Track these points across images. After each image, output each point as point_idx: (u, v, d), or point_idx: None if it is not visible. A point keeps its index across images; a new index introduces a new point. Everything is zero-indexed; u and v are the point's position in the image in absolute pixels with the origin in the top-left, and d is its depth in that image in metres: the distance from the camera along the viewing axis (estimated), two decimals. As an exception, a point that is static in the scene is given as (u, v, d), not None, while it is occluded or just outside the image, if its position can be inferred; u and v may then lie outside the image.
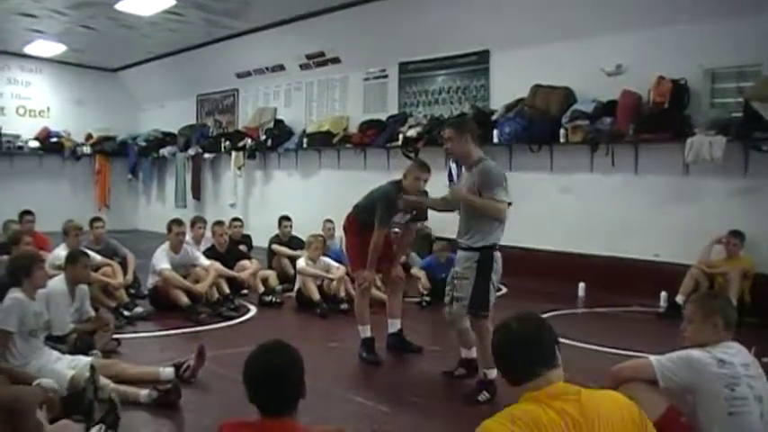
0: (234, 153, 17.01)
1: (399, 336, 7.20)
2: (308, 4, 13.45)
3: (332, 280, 9.42)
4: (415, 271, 10.23)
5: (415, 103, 13.61)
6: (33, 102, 19.74)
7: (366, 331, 6.95)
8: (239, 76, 17.50)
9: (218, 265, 9.51)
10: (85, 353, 6.03)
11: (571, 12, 10.65)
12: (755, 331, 7.27)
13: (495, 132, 11.43)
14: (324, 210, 12.05)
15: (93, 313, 6.99)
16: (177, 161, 19.21)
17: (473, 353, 6.12)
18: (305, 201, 14.92)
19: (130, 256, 9.86)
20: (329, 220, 11.24)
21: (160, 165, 20.42)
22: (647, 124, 9.83)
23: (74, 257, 6.84)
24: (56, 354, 5.72)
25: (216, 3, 13.56)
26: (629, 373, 3.85)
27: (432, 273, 9.83)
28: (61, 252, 8.14)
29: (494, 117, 11.67)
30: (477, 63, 12.50)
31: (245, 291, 10.07)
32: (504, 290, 10.52)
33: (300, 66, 15.67)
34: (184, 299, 8.75)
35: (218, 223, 10.59)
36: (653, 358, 3.77)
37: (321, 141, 14.80)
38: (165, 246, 9.28)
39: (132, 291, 9.51)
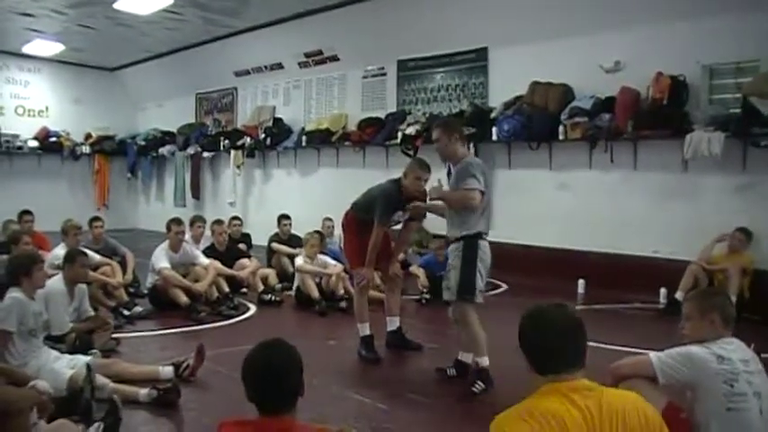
0: (233, 152, 17.02)
1: (399, 333, 7.20)
2: (307, 2, 13.46)
3: (330, 276, 9.42)
4: (413, 269, 10.23)
5: (414, 101, 13.61)
6: (32, 101, 19.75)
7: (365, 329, 6.95)
8: (238, 74, 17.51)
9: (217, 263, 9.50)
10: (85, 352, 6.02)
11: (569, 8, 10.66)
12: (755, 327, 7.28)
13: (494, 130, 11.44)
14: (323, 208, 12.05)
15: (92, 312, 6.99)
16: (176, 160, 19.22)
17: (469, 357, 6.13)
18: (304, 199, 14.94)
19: (130, 256, 9.86)
20: (328, 218, 11.24)
21: (159, 164, 20.43)
22: (646, 121, 9.83)
23: (72, 257, 6.83)
24: (55, 353, 5.71)
25: (214, 1, 13.57)
26: (628, 370, 3.85)
27: (431, 270, 9.83)
28: (60, 252, 8.11)
29: (493, 114, 11.67)
30: (476, 60, 12.50)
31: (244, 289, 10.06)
32: (504, 286, 10.56)
33: (299, 64, 15.68)
34: (184, 298, 8.74)
35: (218, 222, 10.58)
36: (652, 355, 3.76)
37: (320, 140, 14.81)
38: (165, 245, 9.27)
39: (131, 290, 9.50)
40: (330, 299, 9.25)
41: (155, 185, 20.83)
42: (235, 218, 11.92)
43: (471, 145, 11.65)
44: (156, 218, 16.87)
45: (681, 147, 9.41)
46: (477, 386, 5.69)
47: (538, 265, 10.86)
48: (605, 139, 10.42)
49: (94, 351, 6.21)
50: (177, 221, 9.46)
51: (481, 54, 12.40)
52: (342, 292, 9.30)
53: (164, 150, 19.60)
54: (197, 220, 10.53)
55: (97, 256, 8.88)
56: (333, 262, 9.66)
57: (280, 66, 16.22)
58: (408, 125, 12.95)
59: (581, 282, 10.34)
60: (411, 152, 12.47)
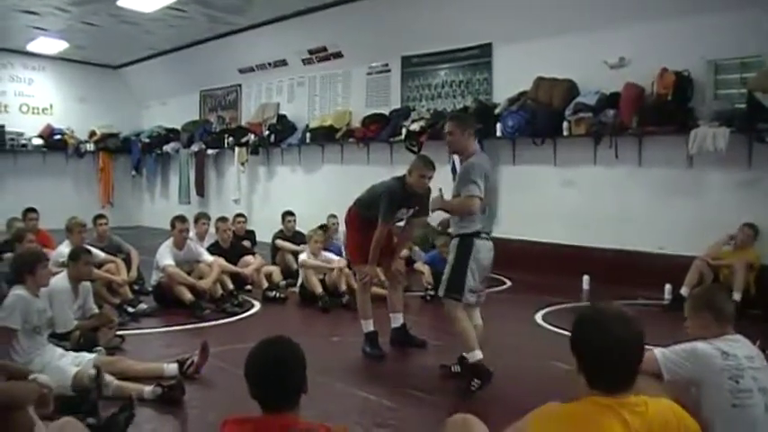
0: (237, 149, 17.03)
1: (403, 330, 7.19)
2: (310, -1, 13.46)
3: (332, 270, 9.41)
4: (418, 265, 10.24)
5: (418, 98, 13.59)
6: (36, 99, 19.77)
7: (369, 325, 6.94)
8: (242, 71, 17.50)
9: (221, 260, 9.50)
10: (89, 350, 6.03)
11: (574, 4, 10.64)
12: (761, 323, 7.27)
13: (499, 126, 11.43)
14: (327, 205, 12.05)
15: (96, 310, 6.99)
16: (181, 157, 19.23)
17: None
18: (308, 196, 14.94)
19: (134, 253, 9.88)
20: (333, 215, 11.23)
21: (163, 161, 20.44)
22: (651, 116, 9.81)
23: (76, 254, 6.85)
24: (59, 351, 5.72)
25: (218, -2, 13.58)
26: (633, 366, 3.84)
27: (435, 267, 9.82)
28: (65, 249, 8.12)
29: (497, 111, 11.65)
30: (480, 56, 12.48)
31: (248, 286, 10.07)
32: (508, 282, 10.54)
33: (303, 61, 15.67)
34: (188, 295, 8.73)
35: (222, 219, 10.60)
36: (657, 351, 3.76)
37: (324, 136, 14.82)
38: (169, 242, 9.27)
39: (136, 287, 9.52)
40: (333, 294, 9.24)
41: (159, 183, 20.85)
42: (239, 215, 11.93)
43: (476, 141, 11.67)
44: (161, 215, 16.88)
45: (686, 142, 9.39)
46: (474, 384, 5.62)
47: (542, 261, 10.85)
48: (610, 134, 10.40)
49: (99, 348, 6.21)
50: (182, 219, 9.46)
51: (485, 50, 12.38)
52: (344, 287, 9.28)
53: (168, 148, 19.60)
54: (201, 218, 10.55)
55: (102, 254, 8.90)
56: (336, 258, 9.65)
57: (284, 63, 16.20)
58: (412, 121, 12.93)
59: (585, 278, 10.32)
60: (415, 149, 12.47)
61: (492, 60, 12.32)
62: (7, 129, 18.64)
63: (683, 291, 8.70)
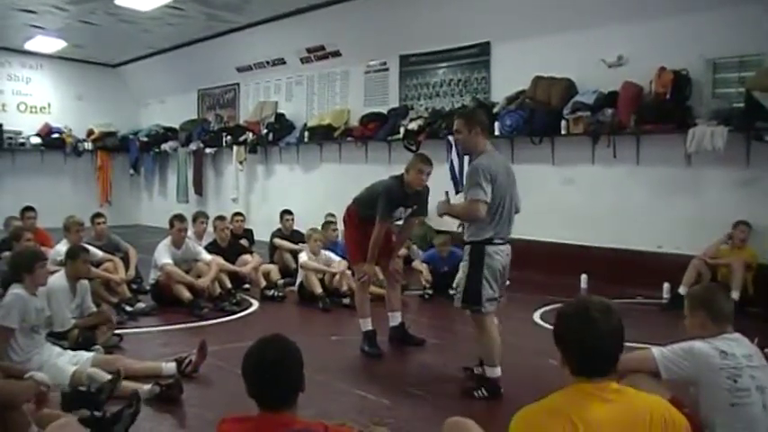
0: (235, 147, 17.03)
1: (401, 328, 7.20)
2: (308, -3, 13.46)
3: (334, 274, 9.41)
4: (416, 264, 10.24)
5: (417, 96, 13.58)
6: (34, 98, 19.74)
7: (367, 324, 6.95)
8: (240, 70, 17.48)
9: (219, 259, 9.50)
10: (87, 348, 6.04)
11: (572, 3, 10.63)
12: (759, 322, 7.28)
13: (497, 125, 11.39)
14: (325, 204, 12.07)
15: (94, 309, 6.99)
16: (179, 156, 19.22)
17: None
18: (306, 195, 14.94)
19: (132, 252, 9.89)
20: (331, 214, 11.22)
21: (162, 160, 20.42)
22: (649, 115, 9.81)
23: (74, 253, 6.85)
24: (57, 349, 5.72)
25: (216, -3, 13.57)
26: (631, 364, 3.83)
27: (433, 266, 9.83)
28: (62, 248, 8.12)
29: (495, 109, 11.63)
30: (478, 55, 12.47)
31: (247, 285, 10.07)
32: (507, 281, 10.54)
33: (301, 59, 15.66)
34: (186, 294, 8.73)
35: (220, 218, 10.59)
36: (655, 350, 3.76)
37: (322, 135, 14.80)
38: (167, 241, 9.27)
39: (134, 286, 9.53)
40: (333, 295, 9.24)
41: (157, 182, 20.83)
42: (237, 214, 11.94)
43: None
44: (159, 214, 16.86)
45: (684, 141, 9.38)
46: (479, 393, 5.54)
47: (541, 259, 10.84)
48: (608, 133, 10.38)
49: (97, 347, 6.23)
50: (180, 218, 9.46)
51: (484, 49, 12.36)
52: (345, 288, 9.28)
53: (166, 146, 19.57)
54: (199, 216, 10.55)
55: (100, 253, 8.89)
56: (337, 258, 9.63)
57: (282, 61, 16.19)
58: (411, 120, 12.92)
59: (584, 276, 10.33)
60: (413, 147, 12.47)
61: (490, 59, 12.31)
62: (5, 128, 18.61)
63: (682, 290, 8.70)
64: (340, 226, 9.13)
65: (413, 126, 12.75)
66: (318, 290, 9.15)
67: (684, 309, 3.99)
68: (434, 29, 12.59)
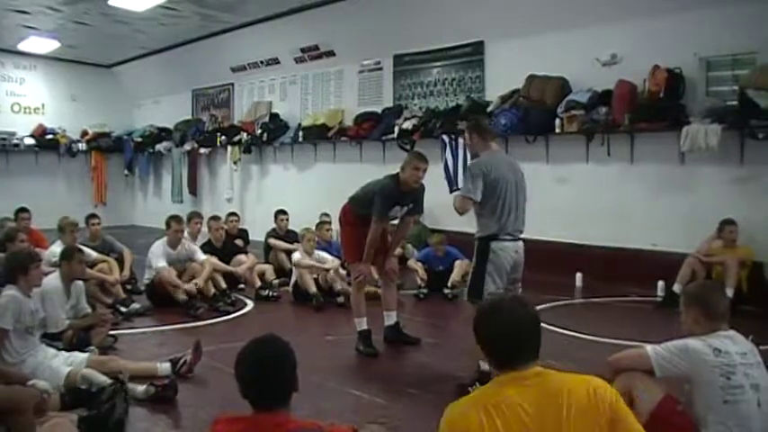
0: (230, 147, 17.01)
1: (396, 328, 7.20)
2: (302, -3, 13.45)
3: (327, 270, 9.40)
4: (411, 263, 10.24)
5: (411, 96, 13.58)
6: (28, 99, 19.69)
7: (362, 324, 6.95)
8: (234, 70, 17.47)
9: (214, 260, 9.49)
10: (82, 349, 6.03)
11: (565, 2, 10.65)
12: (753, 319, 7.29)
13: (491, 124, 11.41)
14: (320, 203, 12.06)
15: (89, 310, 6.97)
16: (173, 156, 19.18)
17: None
18: (301, 194, 14.93)
19: (127, 252, 9.88)
20: (325, 214, 11.21)
21: (156, 160, 20.38)
22: (643, 114, 9.81)
23: (69, 254, 6.82)
24: (52, 351, 5.71)
25: (209, -3, 13.56)
26: (625, 362, 3.85)
27: (428, 265, 9.83)
28: (57, 249, 8.09)
29: (489, 108, 11.65)
30: (472, 54, 12.47)
31: (241, 285, 10.07)
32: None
33: (295, 59, 15.65)
34: (182, 295, 8.72)
35: (215, 218, 10.59)
36: (649, 348, 3.77)
37: (317, 135, 14.80)
38: (163, 240, 9.27)
39: (129, 287, 9.51)
40: (327, 294, 9.24)
41: (152, 182, 20.79)
42: (232, 214, 11.91)
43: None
44: (154, 214, 16.85)
45: (678, 139, 9.39)
46: (473, 388, 5.61)
47: (535, 258, 10.69)
48: (602, 132, 10.39)
49: (92, 348, 6.21)
50: (178, 219, 9.47)
51: (477, 48, 12.37)
52: (339, 287, 9.27)
53: (160, 147, 19.52)
54: (194, 216, 10.54)
55: (94, 254, 8.88)
56: (330, 257, 9.63)
57: (276, 61, 16.18)
58: (405, 120, 12.93)
59: (579, 275, 10.33)
60: (408, 147, 12.46)
61: (484, 58, 12.31)
62: (-1, 129, 18.59)
63: (676, 287, 8.70)
64: (335, 225, 9.15)
65: (407, 125, 12.75)
66: (313, 289, 9.14)
67: (680, 307, 4.00)
68: (428, 28, 12.59)
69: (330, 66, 15.16)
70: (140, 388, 5.33)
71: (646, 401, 3.65)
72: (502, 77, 11.76)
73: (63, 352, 5.82)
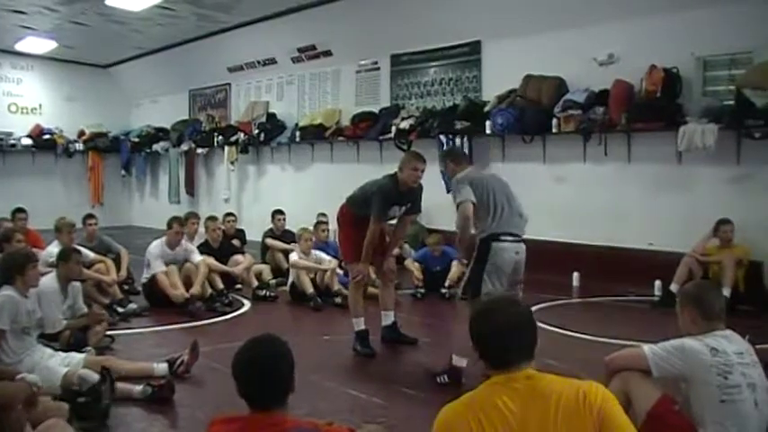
0: (227, 148, 17.01)
1: (394, 328, 7.20)
2: (299, -3, 13.44)
3: (325, 271, 9.40)
4: (407, 263, 10.23)
5: (408, 95, 13.58)
6: (25, 99, 19.67)
7: (360, 324, 6.94)
8: (231, 70, 17.46)
9: (210, 260, 9.48)
10: (79, 350, 6.02)
11: (562, 1, 10.66)
12: (750, 319, 7.30)
13: (488, 123, 11.42)
14: (317, 203, 12.07)
15: (86, 310, 6.96)
16: (170, 156, 19.16)
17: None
18: (298, 194, 14.93)
19: (124, 253, 9.86)
20: (323, 214, 11.21)
21: (153, 160, 20.37)
22: (640, 113, 9.82)
23: (66, 254, 6.82)
24: (49, 351, 5.70)
25: (206, -3, 13.55)
26: (622, 362, 3.85)
27: (426, 265, 9.83)
28: (54, 249, 8.09)
29: (486, 108, 11.65)
30: (469, 54, 12.48)
31: (238, 285, 10.06)
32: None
33: (292, 59, 15.64)
34: (179, 298, 8.72)
35: (212, 218, 10.57)
36: (646, 348, 3.77)
37: (314, 135, 14.78)
38: (162, 240, 9.27)
39: (126, 287, 9.50)
40: (325, 294, 9.23)
41: (149, 182, 20.78)
42: (229, 214, 11.90)
43: (465, 139, 11.66)
44: (151, 215, 16.86)
45: (675, 139, 9.40)
46: (441, 378, 5.82)
47: (532, 258, 10.72)
48: (599, 131, 10.40)
49: (89, 348, 6.20)
50: (180, 221, 9.47)
51: (474, 48, 12.38)
52: (337, 287, 9.27)
53: (157, 147, 19.51)
54: (191, 217, 10.52)
55: (91, 254, 8.87)
56: (327, 257, 9.63)
57: (273, 61, 16.17)
58: (402, 119, 12.92)
59: (576, 275, 10.34)
60: (405, 146, 12.47)
61: (481, 58, 12.32)
62: (-4, 129, 18.56)
63: (673, 287, 8.71)
64: (332, 226, 9.14)
65: (404, 125, 12.75)
66: (310, 289, 9.14)
67: (676, 306, 4.00)
68: (425, 28, 12.60)
69: (327, 65, 15.15)
70: (137, 388, 5.32)
71: (642, 401, 3.65)
72: (499, 77, 11.76)
73: (60, 352, 5.81)
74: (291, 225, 11.14)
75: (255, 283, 9.95)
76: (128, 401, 5.24)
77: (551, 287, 9.61)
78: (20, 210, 10.44)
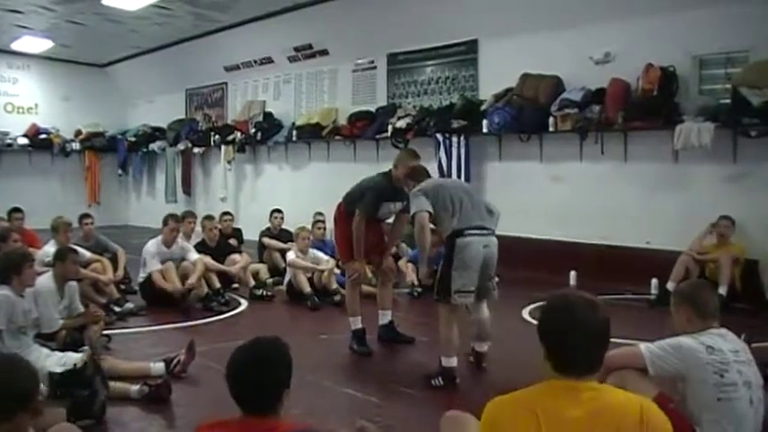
0: (223, 147, 17.00)
1: (390, 327, 7.20)
2: (295, -5, 13.44)
3: (322, 271, 9.40)
4: (402, 264, 10.18)
5: (404, 94, 13.58)
6: (21, 98, 19.63)
7: (357, 323, 6.95)
8: (228, 69, 17.44)
9: (207, 259, 9.46)
10: (75, 349, 6.01)
11: (559, 0, 10.64)
12: (746, 317, 7.31)
13: (485, 122, 11.43)
14: (314, 202, 12.06)
15: (82, 310, 6.95)
16: (167, 156, 19.12)
17: (483, 347, 6.31)
18: (295, 193, 14.93)
19: (121, 252, 9.85)
20: (320, 213, 11.20)
21: (150, 160, 20.35)
22: (636, 112, 9.83)
23: (63, 254, 6.80)
24: (45, 351, 5.69)
25: (203, -4, 13.54)
26: (618, 360, 3.84)
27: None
28: (50, 249, 8.08)
29: (483, 107, 11.65)
30: (466, 53, 12.48)
31: (235, 285, 10.05)
32: (495, 278, 10.55)
33: (289, 58, 15.64)
34: (176, 294, 8.72)
35: (209, 218, 10.57)
36: (642, 346, 3.77)
37: (311, 134, 14.77)
38: (159, 239, 9.27)
39: (123, 286, 9.50)
40: (322, 293, 9.23)
41: (145, 182, 20.75)
42: (225, 213, 11.87)
43: (462, 138, 11.67)
44: (148, 214, 16.83)
45: (671, 138, 9.40)
46: (436, 381, 5.79)
47: (529, 256, 10.84)
48: (595, 130, 10.41)
49: (85, 348, 6.19)
50: (175, 219, 9.47)
51: (471, 46, 12.38)
52: (334, 287, 9.27)
53: (154, 146, 19.50)
54: (188, 216, 10.52)
55: (88, 254, 8.86)
56: (325, 257, 9.62)
57: (270, 60, 16.16)
58: (399, 118, 12.91)
59: (572, 273, 10.32)
60: (402, 145, 12.45)
61: (478, 57, 12.32)
62: (-8, 128, 18.54)
63: (670, 285, 8.69)
64: (329, 224, 9.13)
65: (401, 124, 12.74)
66: (307, 288, 9.14)
67: (671, 305, 4.00)
68: (422, 27, 12.60)
69: (324, 65, 15.14)
70: (134, 388, 5.32)
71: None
72: (495, 76, 11.76)
73: (56, 352, 5.80)
74: (288, 224, 11.13)
75: (252, 283, 9.93)
76: (124, 401, 5.24)
77: (548, 285, 9.49)
78: (16, 209, 10.44)
